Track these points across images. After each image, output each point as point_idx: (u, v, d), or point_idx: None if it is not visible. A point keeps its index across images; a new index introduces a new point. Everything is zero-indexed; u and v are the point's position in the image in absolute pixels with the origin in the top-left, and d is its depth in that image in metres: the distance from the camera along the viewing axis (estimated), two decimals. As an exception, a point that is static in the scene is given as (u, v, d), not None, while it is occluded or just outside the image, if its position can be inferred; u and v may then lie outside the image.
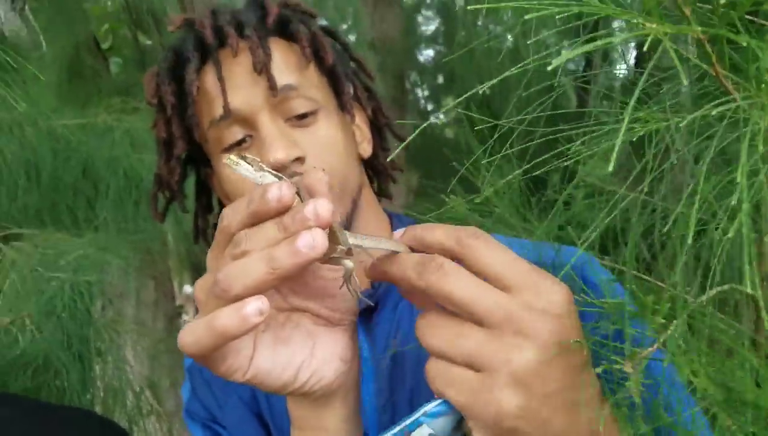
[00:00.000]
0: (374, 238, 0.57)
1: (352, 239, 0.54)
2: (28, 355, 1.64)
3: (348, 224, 0.88)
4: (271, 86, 0.80)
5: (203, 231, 1.02)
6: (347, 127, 0.91)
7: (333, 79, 0.91)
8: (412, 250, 0.57)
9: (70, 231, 1.83)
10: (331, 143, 0.85)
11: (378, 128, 1.00)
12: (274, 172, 0.55)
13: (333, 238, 0.51)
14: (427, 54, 4.18)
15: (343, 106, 0.91)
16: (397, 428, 0.50)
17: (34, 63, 2.47)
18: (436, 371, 0.51)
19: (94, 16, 3.39)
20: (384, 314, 0.91)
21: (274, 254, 0.48)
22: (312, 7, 0.94)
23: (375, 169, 1.02)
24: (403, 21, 3.36)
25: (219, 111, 0.82)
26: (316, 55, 0.87)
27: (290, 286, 0.58)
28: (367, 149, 0.96)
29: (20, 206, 1.81)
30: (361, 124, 0.96)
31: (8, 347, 1.62)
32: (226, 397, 0.93)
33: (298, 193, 0.51)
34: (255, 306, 0.48)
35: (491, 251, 0.52)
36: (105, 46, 3.32)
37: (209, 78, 0.84)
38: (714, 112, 0.44)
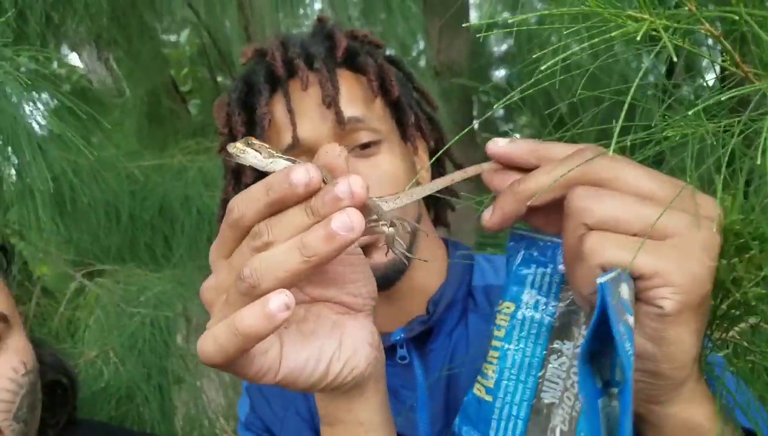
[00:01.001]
0: (410, 192, 0.54)
1: (387, 205, 0.51)
2: (112, 387, 1.73)
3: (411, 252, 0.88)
4: (339, 120, 0.83)
5: None
6: (408, 157, 0.93)
7: (397, 111, 0.93)
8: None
9: (148, 266, 1.92)
10: (392, 173, 0.87)
11: (438, 157, 1.01)
12: (286, 157, 0.51)
13: (366, 212, 0.48)
14: (498, 74, 4.15)
15: (406, 137, 0.93)
16: (608, 276, 0.44)
17: (118, 109, 2.64)
18: (613, 240, 0.46)
19: (174, 61, 3.58)
20: (439, 342, 0.91)
21: (307, 240, 0.45)
22: (378, 35, 0.96)
23: (433, 198, 1.03)
24: (471, 44, 3.35)
25: (288, 141, 0.85)
26: (381, 87, 0.89)
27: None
28: (426, 178, 0.97)
29: (102, 245, 1.92)
30: (421, 153, 0.98)
31: (94, 379, 1.72)
32: (285, 412, 0.96)
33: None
34: (280, 301, 0.44)
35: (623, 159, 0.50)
36: (185, 88, 3.49)
37: (279, 108, 0.87)
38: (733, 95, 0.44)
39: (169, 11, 2.49)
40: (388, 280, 0.86)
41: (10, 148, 1.33)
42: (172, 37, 3.78)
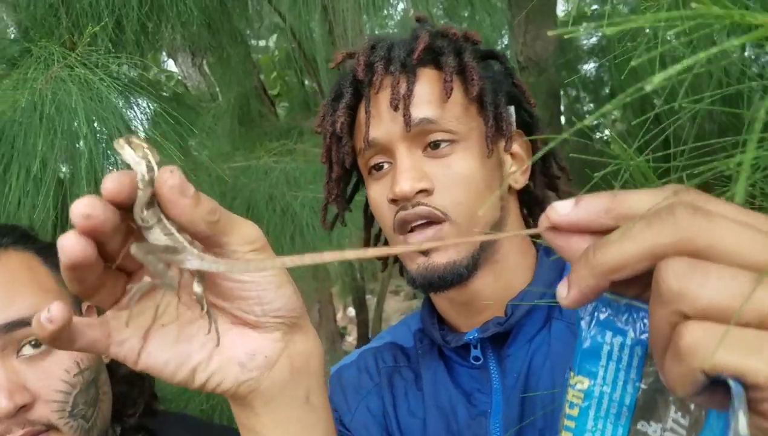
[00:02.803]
0: (231, 262, 0.50)
1: (205, 264, 0.49)
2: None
3: (477, 258, 0.87)
4: (406, 122, 0.85)
5: (367, 242, 1.08)
6: (492, 158, 0.90)
7: (482, 109, 0.90)
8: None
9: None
10: (463, 175, 0.85)
11: (544, 157, 0.98)
12: (152, 162, 0.48)
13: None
14: (587, 68, 4.02)
15: (488, 136, 0.89)
16: (734, 406, 0.34)
17: (211, 112, 2.76)
18: (721, 338, 0.34)
19: (264, 65, 3.69)
20: (517, 346, 0.89)
21: None
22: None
23: (534, 200, 1.00)
24: (557, 38, 3.26)
25: (361, 142, 0.90)
26: (464, 85, 0.89)
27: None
28: (519, 180, 0.94)
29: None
30: (520, 152, 0.95)
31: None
32: (357, 404, 0.99)
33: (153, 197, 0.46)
34: (43, 315, 0.46)
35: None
36: (273, 92, 3.59)
37: (361, 110, 0.92)
38: None
39: (257, 17, 2.56)
40: (445, 281, 0.85)
41: (109, 151, 1.43)
42: (262, 43, 3.91)
